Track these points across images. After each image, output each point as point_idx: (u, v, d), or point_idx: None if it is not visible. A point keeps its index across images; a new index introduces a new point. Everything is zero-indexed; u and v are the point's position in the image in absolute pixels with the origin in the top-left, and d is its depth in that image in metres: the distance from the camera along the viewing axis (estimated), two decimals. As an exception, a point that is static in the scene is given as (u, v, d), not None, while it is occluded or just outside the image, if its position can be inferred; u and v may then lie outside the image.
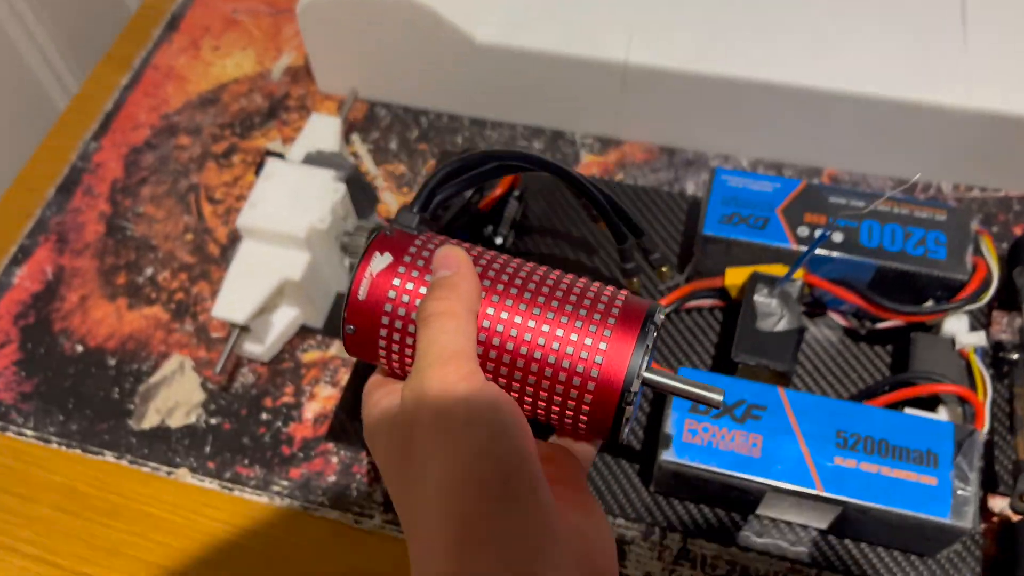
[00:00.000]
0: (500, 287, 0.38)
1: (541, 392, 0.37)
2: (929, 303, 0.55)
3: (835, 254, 0.54)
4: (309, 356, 0.60)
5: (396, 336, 0.38)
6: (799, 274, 0.54)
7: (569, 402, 0.37)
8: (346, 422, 0.57)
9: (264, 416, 0.58)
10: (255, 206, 0.56)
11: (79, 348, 0.61)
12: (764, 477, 0.48)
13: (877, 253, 0.54)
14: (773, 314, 0.53)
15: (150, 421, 0.58)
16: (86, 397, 0.59)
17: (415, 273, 0.38)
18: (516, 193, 0.62)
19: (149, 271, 0.64)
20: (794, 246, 0.55)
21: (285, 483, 0.55)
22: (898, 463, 0.48)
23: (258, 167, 0.60)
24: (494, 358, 0.37)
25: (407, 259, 0.38)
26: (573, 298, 0.37)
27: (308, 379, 0.59)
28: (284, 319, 0.59)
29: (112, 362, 0.60)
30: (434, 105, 0.71)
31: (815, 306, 0.58)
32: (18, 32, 0.73)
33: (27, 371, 0.60)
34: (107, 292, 0.63)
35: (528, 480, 0.33)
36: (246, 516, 0.55)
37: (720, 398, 0.37)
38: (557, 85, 0.66)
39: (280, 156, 0.61)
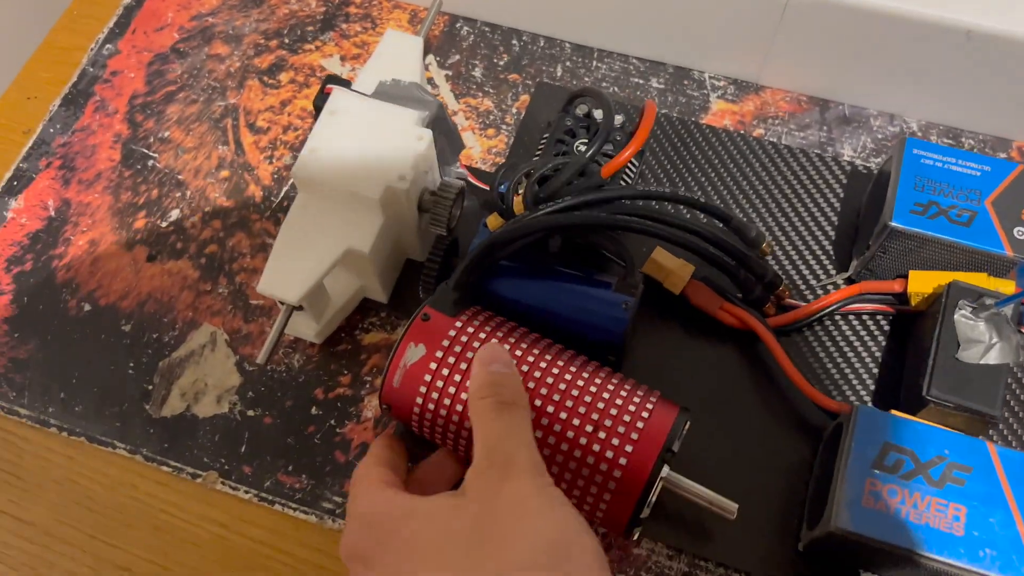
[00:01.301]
0: (537, 374, 0.39)
1: (562, 484, 0.39)
2: None
3: (1062, 266, 0.42)
4: (371, 337, 0.48)
5: (428, 415, 0.40)
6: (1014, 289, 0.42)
7: (588, 497, 0.39)
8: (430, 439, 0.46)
9: (314, 411, 0.47)
10: (316, 152, 0.44)
11: (86, 307, 0.49)
12: (968, 563, 0.37)
13: (1119, 270, 0.42)
14: (980, 341, 0.41)
15: (172, 407, 0.47)
16: (93, 371, 0.48)
17: (446, 371, 0.39)
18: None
19: (175, 214, 0.52)
20: (1009, 252, 0.43)
21: (338, 499, 0.45)
22: None
23: (317, 97, 0.47)
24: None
25: (439, 354, 0.40)
26: (606, 396, 0.39)
27: (369, 366, 0.48)
28: (343, 292, 0.47)
29: (127, 327, 0.49)
30: (530, 24, 0.58)
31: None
32: None
33: (21, 332, 0.49)
34: (122, 238, 0.51)
35: None
36: (289, 537, 0.44)
37: (735, 510, 0.39)
38: (693, 8, 0.52)
39: (345, 84, 0.48)
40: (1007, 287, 0.43)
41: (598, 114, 0.49)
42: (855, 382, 0.46)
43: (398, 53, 0.49)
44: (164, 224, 0.52)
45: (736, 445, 0.45)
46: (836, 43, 0.51)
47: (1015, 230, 0.43)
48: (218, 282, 0.50)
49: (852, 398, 0.46)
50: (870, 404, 0.46)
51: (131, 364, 0.48)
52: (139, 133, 0.55)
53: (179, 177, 0.53)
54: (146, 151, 0.54)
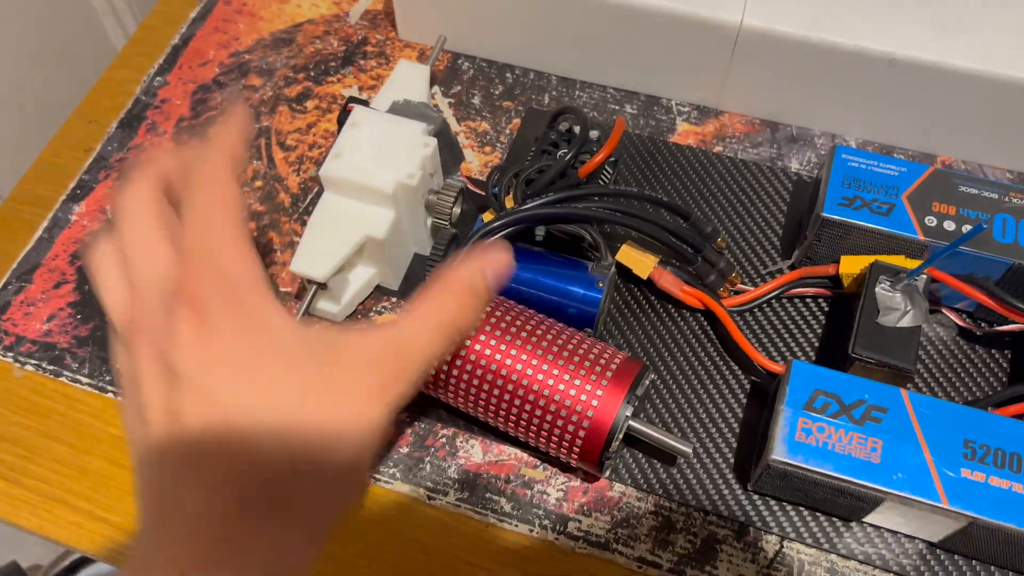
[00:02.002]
0: (524, 334, 0.47)
1: (545, 425, 0.46)
2: (1063, 308, 0.50)
3: (964, 248, 0.50)
4: (384, 319, 0.56)
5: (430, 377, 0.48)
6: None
7: (565, 436, 0.46)
8: (421, 390, 0.53)
9: (333, 380, 0.54)
10: (340, 156, 0.52)
11: (139, 294, 0.57)
12: (883, 485, 0.44)
13: (1012, 250, 0.50)
14: (896, 309, 0.49)
15: (212, 377, 0.55)
16: (146, 346, 0.56)
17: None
18: (612, 159, 0.58)
19: (215, 217, 0.60)
20: (921, 236, 0.51)
21: (354, 452, 0.52)
22: (1033, 480, 0.44)
23: (341, 114, 0.56)
24: (511, 390, 0.46)
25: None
26: (581, 351, 0.46)
27: (381, 343, 0.55)
28: (361, 278, 0.55)
29: (174, 311, 0.57)
30: (521, 60, 0.67)
31: (929, 302, 0.54)
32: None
33: (83, 314, 0.57)
34: (170, 237, 0.60)
35: None
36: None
37: (689, 451, 0.47)
38: (661, 46, 0.61)
39: (364, 103, 0.57)
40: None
41: (578, 130, 0.58)
42: (797, 352, 0.54)
43: (409, 79, 0.58)
44: (206, 225, 0.60)
45: (696, 405, 0.53)
46: (782, 72, 0.60)
47: (926, 219, 0.51)
48: (252, 273, 0.58)
49: (790, 359, 0.54)
50: (811, 371, 0.54)
51: (177, 341, 0.56)
52: (185, 150, 0.63)
53: (219, 187, 0.62)
54: (191, 165, 0.63)
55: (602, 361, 0.47)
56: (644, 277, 0.55)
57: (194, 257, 0.32)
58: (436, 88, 0.66)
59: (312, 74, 0.67)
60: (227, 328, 0.31)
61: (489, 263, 0.37)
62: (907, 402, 0.46)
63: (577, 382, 0.46)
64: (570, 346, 0.47)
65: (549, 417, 0.46)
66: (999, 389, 0.52)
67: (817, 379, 0.47)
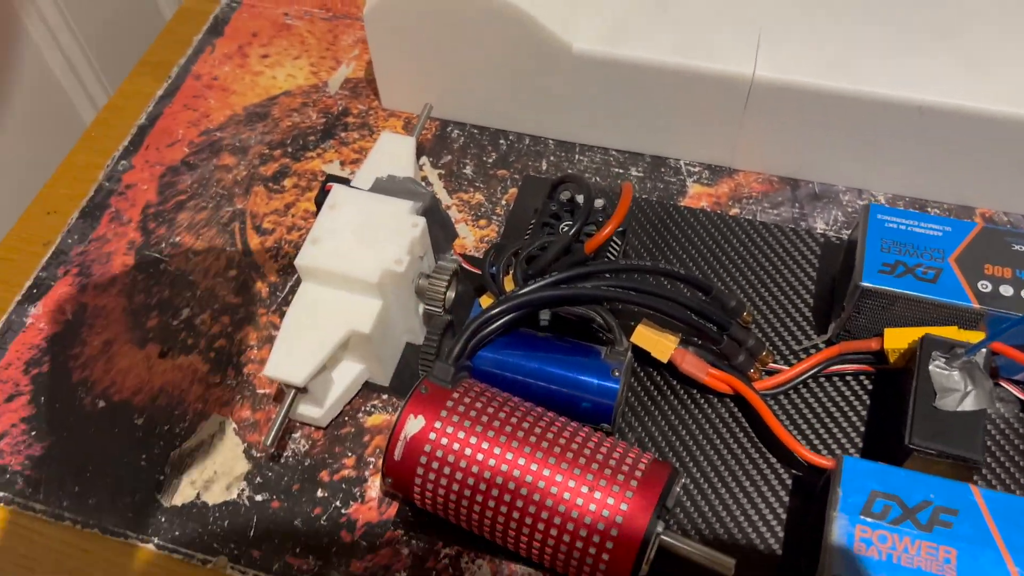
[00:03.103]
0: (533, 438, 0.41)
1: (563, 545, 0.40)
2: None
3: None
4: (373, 419, 0.50)
5: (429, 486, 0.42)
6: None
7: (588, 558, 0.40)
8: (418, 506, 0.47)
9: (320, 493, 0.48)
10: (318, 242, 0.47)
11: (101, 404, 0.52)
12: (963, 604, 0.38)
13: (1081, 315, 0.44)
14: (955, 389, 0.43)
15: (183, 496, 0.48)
16: (107, 464, 0.49)
17: (444, 440, 0.41)
18: (620, 229, 0.52)
19: (185, 312, 0.55)
20: (975, 304, 0.45)
21: (345, 579, 0.45)
22: None
23: (319, 194, 0.50)
24: (520, 506, 0.40)
25: (438, 424, 0.42)
26: (600, 456, 0.40)
27: (372, 448, 0.49)
28: (347, 376, 0.49)
29: (139, 421, 0.51)
30: (515, 125, 0.62)
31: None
32: (41, 33, 0.64)
33: (38, 431, 0.51)
34: (136, 337, 0.54)
35: None
36: (297, 619, 0.45)
37: (732, 565, 0.40)
38: (665, 103, 0.56)
39: (344, 181, 0.51)
40: (977, 338, 0.45)
41: (581, 199, 0.52)
42: (842, 439, 0.48)
43: (393, 152, 0.53)
44: (175, 322, 0.54)
45: (732, 507, 0.46)
46: (799, 125, 0.55)
47: (979, 283, 0.46)
48: (227, 374, 0.52)
49: (841, 454, 0.47)
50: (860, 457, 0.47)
51: (144, 456, 0.50)
52: (152, 239, 0.58)
53: (189, 278, 0.56)
54: (158, 256, 0.57)
55: (625, 467, 0.40)
56: (664, 360, 0.49)
57: None
58: (424, 159, 0.61)
59: (290, 150, 0.62)
60: None
61: None
62: (980, 500, 0.40)
63: (598, 495, 0.39)
64: (587, 450, 0.41)
65: (567, 537, 0.40)
66: (1075, 472, 0.46)
67: (873, 477, 0.41)
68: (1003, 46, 0.53)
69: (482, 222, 0.58)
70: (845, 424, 0.48)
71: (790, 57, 0.53)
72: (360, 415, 0.50)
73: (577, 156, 0.61)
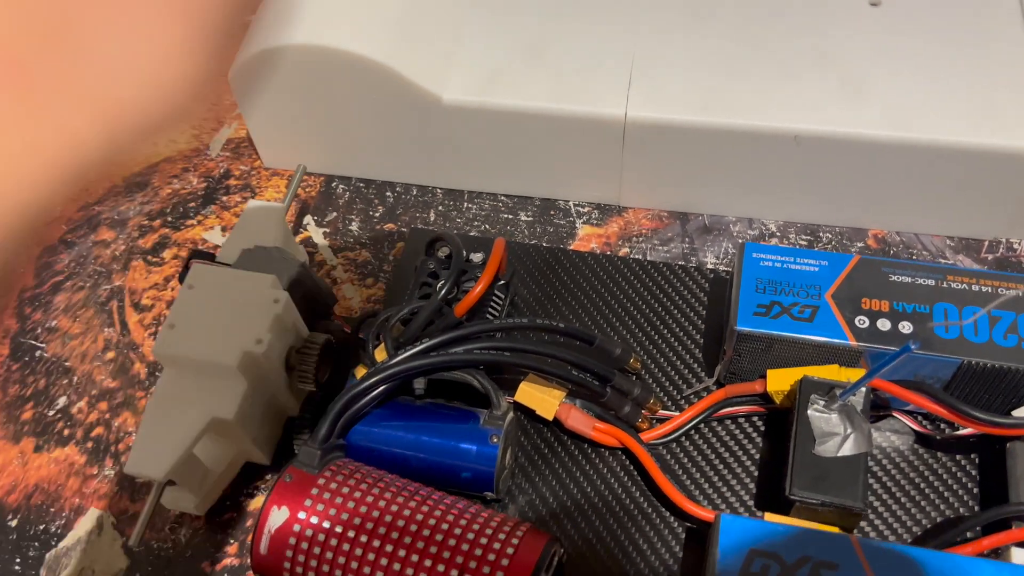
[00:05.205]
0: (400, 523, 0.39)
1: None
2: (1027, 405, 0.43)
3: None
4: (256, 502, 0.48)
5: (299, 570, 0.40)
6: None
7: None
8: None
9: (201, 585, 0.46)
10: (175, 327, 0.45)
11: (-27, 506, 0.50)
12: (844, 664, 0.36)
13: (958, 347, 0.43)
14: (834, 433, 0.42)
15: (59, 599, 0.46)
16: (-20, 571, 0.47)
17: (309, 531, 0.40)
18: (502, 281, 0.51)
19: (62, 401, 0.53)
20: (852, 342, 0.44)
21: (228, 676, 0.44)
22: (1021, 638, 0.36)
23: (182, 274, 0.49)
24: None
25: (302, 515, 0.40)
26: (471, 536, 0.39)
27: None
28: (221, 460, 0.47)
29: (13, 523, 0.49)
30: (400, 176, 0.60)
31: (876, 407, 0.47)
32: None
33: (-91, 540, 0.49)
34: (9, 432, 0.52)
35: None
36: None
37: None
38: (544, 147, 0.55)
39: (211, 257, 0.50)
40: (858, 375, 0.44)
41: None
42: (736, 485, 0.47)
43: (260, 221, 0.52)
44: (51, 412, 0.52)
45: (624, 563, 0.45)
46: (679, 160, 0.54)
47: (856, 319, 0.44)
48: (104, 464, 0.50)
49: (734, 501, 0.46)
50: (752, 505, 0.46)
51: (17, 560, 0.48)
52: (27, 325, 0.56)
53: (66, 364, 0.54)
54: (34, 342, 0.55)
55: (495, 546, 0.39)
56: (550, 418, 0.47)
57: None
58: (308, 218, 0.59)
59: (169, 219, 0.60)
60: None
61: None
62: (859, 552, 0.39)
63: None
64: (457, 529, 0.39)
65: None
66: (971, 505, 0.45)
67: (750, 536, 0.39)
68: (875, 71, 0.53)
69: (369, 280, 0.56)
70: (739, 469, 0.47)
71: (663, 94, 0.52)
72: (242, 498, 0.49)
73: (466, 204, 0.59)
